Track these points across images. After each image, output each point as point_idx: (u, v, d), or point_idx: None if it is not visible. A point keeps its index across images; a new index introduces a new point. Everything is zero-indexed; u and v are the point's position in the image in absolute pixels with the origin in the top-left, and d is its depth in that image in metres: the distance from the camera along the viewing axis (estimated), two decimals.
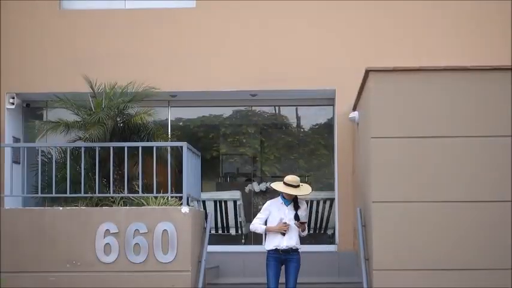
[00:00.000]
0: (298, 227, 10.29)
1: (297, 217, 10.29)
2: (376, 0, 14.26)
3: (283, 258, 10.33)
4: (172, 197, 11.72)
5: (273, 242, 10.32)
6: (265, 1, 14.45)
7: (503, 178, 10.72)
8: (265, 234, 10.48)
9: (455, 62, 11.78)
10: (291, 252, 10.31)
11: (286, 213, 10.33)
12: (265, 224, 10.43)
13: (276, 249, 10.29)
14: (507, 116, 10.77)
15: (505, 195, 10.70)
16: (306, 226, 10.44)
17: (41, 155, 12.25)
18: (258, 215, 10.51)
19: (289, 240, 10.29)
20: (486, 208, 10.72)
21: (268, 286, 10.30)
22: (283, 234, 10.25)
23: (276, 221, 10.34)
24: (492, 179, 10.74)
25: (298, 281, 10.39)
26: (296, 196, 10.42)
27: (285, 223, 10.25)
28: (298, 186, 10.38)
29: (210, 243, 12.14)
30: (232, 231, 15.25)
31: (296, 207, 10.37)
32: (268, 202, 10.58)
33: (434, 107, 10.88)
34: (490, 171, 10.75)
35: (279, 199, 10.49)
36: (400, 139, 10.89)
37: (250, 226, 10.55)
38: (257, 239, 14.08)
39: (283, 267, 10.39)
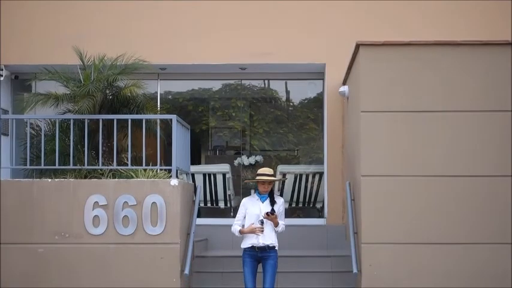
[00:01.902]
0: (267, 218, 9.88)
1: (273, 212, 9.91)
2: None
3: (259, 256, 9.97)
4: (161, 169, 11.71)
5: (249, 240, 9.99)
6: None
7: (500, 153, 10.70)
8: None
9: (448, 38, 11.76)
10: (268, 249, 9.95)
11: (262, 209, 9.99)
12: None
13: (252, 247, 9.96)
14: (502, 90, 10.75)
15: (505, 169, 10.68)
16: (281, 221, 10.01)
17: (30, 127, 12.21)
18: (237, 216, 10.20)
19: (266, 238, 9.94)
20: (479, 182, 10.73)
21: (245, 286, 9.99)
22: (262, 231, 9.92)
23: (252, 218, 10.01)
24: (487, 154, 10.73)
25: (287, 255, 10.28)
26: (272, 191, 10.14)
27: (262, 221, 9.89)
28: (271, 175, 10.13)
29: (198, 216, 12.16)
30: (221, 204, 15.25)
31: (272, 203, 10.05)
32: (243, 200, 10.25)
33: (425, 80, 10.86)
34: (484, 146, 10.75)
35: (254, 195, 10.18)
36: (390, 113, 10.87)
37: (232, 228, 10.18)
38: None
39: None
